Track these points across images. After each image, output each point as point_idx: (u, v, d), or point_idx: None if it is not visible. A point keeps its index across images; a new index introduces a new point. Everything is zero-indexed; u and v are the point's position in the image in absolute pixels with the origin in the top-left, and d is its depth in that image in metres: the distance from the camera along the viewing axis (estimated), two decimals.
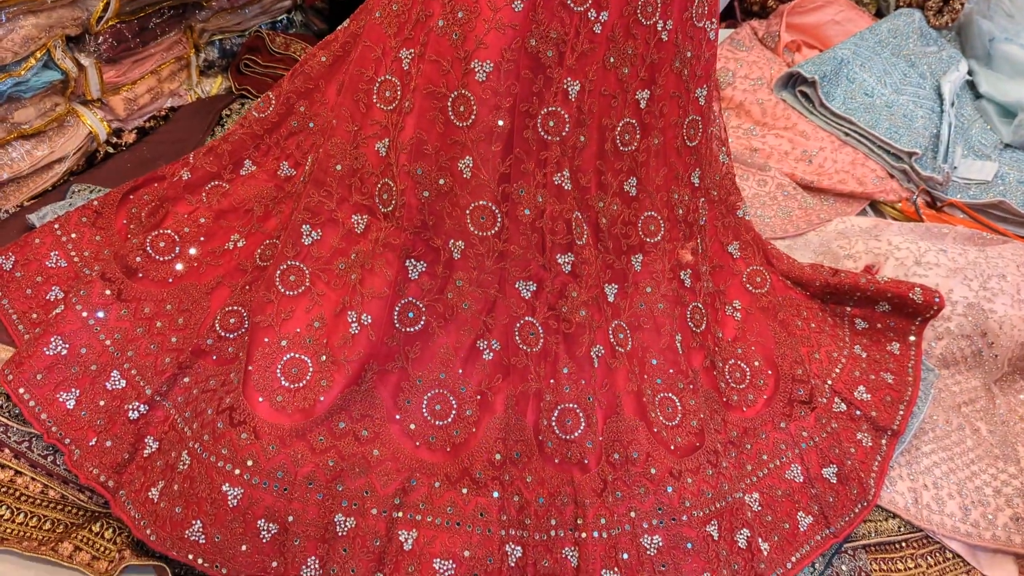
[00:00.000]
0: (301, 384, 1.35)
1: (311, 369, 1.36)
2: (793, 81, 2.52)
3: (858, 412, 1.59)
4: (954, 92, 2.57)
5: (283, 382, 1.35)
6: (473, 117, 1.31)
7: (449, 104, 1.33)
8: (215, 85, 2.31)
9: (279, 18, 2.53)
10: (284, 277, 1.41)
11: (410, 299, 1.42)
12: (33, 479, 1.37)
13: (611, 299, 1.51)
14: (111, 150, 1.99)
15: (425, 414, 1.37)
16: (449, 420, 1.36)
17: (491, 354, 1.41)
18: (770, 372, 1.59)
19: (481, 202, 1.37)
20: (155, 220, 1.57)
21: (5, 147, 1.75)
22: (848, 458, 1.52)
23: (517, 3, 1.27)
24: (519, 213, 1.39)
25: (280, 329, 1.38)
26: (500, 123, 1.33)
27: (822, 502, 1.47)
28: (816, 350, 1.67)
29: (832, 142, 2.42)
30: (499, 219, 1.39)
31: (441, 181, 1.37)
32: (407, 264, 1.42)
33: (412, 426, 1.36)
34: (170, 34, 2.07)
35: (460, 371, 1.39)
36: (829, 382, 1.62)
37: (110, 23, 1.84)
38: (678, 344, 1.52)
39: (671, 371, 1.48)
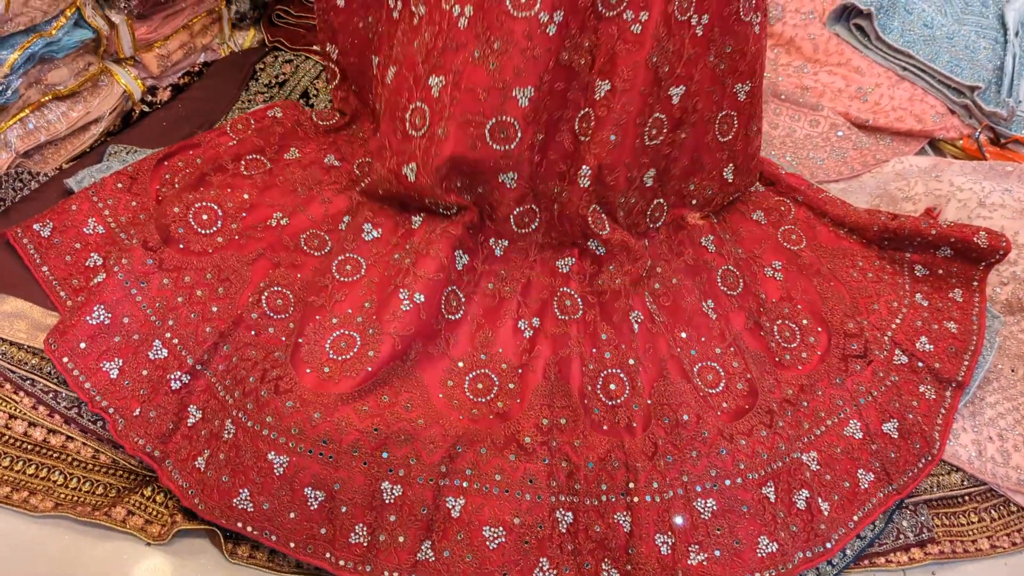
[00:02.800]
0: (348, 356, 1.35)
1: (359, 342, 1.37)
2: (847, 13, 2.38)
3: (920, 364, 1.52)
4: (1018, 21, 2.42)
5: (331, 354, 1.36)
6: (518, 139, 1.37)
7: (487, 131, 1.35)
8: (248, 38, 2.26)
9: None
10: (341, 266, 1.44)
11: (454, 288, 1.45)
12: (84, 444, 1.38)
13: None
14: (147, 108, 1.96)
15: (468, 394, 1.36)
16: (492, 395, 1.35)
17: (531, 331, 1.41)
18: (820, 329, 1.53)
19: (524, 207, 1.45)
20: (194, 184, 1.55)
21: (41, 109, 1.73)
22: (910, 411, 1.46)
23: (550, 27, 1.29)
24: (553, 208, 1.46)
25: (332, 309, 1.40)
26: (539, 136, 1.39)
27: (883, 458, 1.42)
28: (875, 300, 1.60)
29: (889, 78, 2.30)
30: (538, 215, 1.46)
31: (480, 190, 1.44)
32: (456, 254, 1.46)
33: (455, 401, 1.35)
34: None
35: (500, 350, 1.39)
36: (889, 334, 1.56)
37: None
38: (708, 310, 1.49)
39: (703, 339, 1.45)
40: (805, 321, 1.54)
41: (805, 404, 1.42)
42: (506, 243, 1.47)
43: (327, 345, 1.36)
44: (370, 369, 1.33)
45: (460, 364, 1.39)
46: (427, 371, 1.37)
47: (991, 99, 2.24)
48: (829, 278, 1.61)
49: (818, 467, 1.38)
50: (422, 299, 1.39)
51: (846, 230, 1.69)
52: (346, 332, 1.38)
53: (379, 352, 1.35)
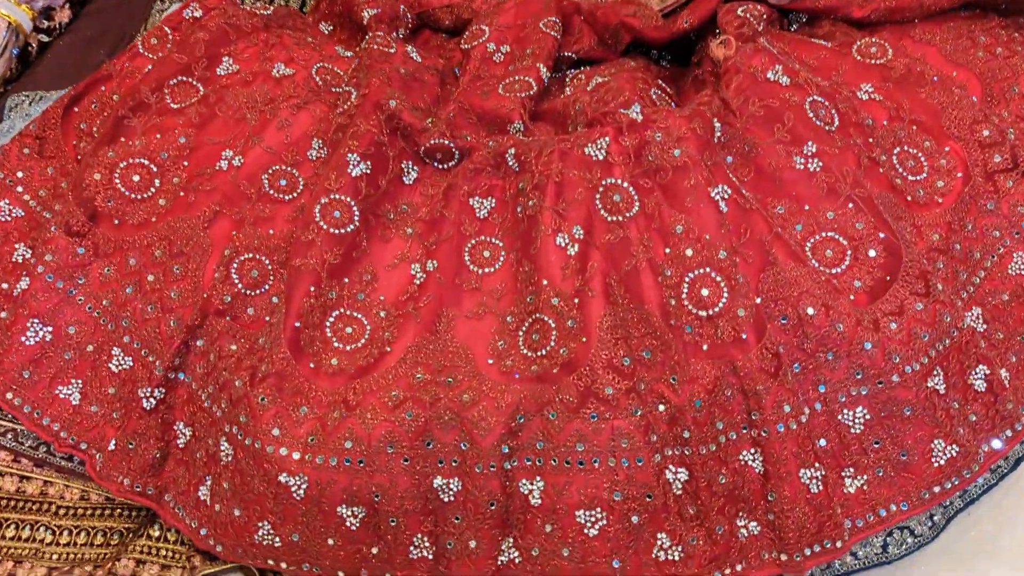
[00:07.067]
0: (359, 343, 1.03)
1: (368, 326, 1.05)
2: None
3: None
4: None
5: (335, 343, 1.03)
6: None
7: None
8: None
9: None
10: (326, 211, 1.06)
11: (482, 237, 1.09)
12: (67, 486, 1.12)
13: None
14: (45, 38, 1.57)
15: (523, 349, 1.01)
16: (552, 343, 1.00)
17: (575, 246, 1.03)
18: (948, 148, 1.14)
19: None
20: (110, 135, 1.19)
21: None
22: None
23: None
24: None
25: (325, 274, 1.05)
26: None
27: None
28: (1014, 82, 1.20)
29: None
30: None
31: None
32: (472, 203, 1.10)
33: (508, 362, 1.01)
34: None
35: (545, 282, 1.02)
36: None
37: None
38: (805, 163, 1.08)
39: (806, 207, 1.06)
40: (927, 143, 1.13)
41: (957, 247, 1.07)
42: (515, 149, 1.09)
43: (328, 330, 1.04)
44: (390, 349, 1.03)
45: (509, 319, 1.04)
46: (469, 336, 1.03)
47: None
48: (940, 82, 1.20)
49: (984, 326, 1.05)
50: (435, 265, 1.07)
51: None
52: (348, 312, 1.05)
53: (400, 330, 1.04)
